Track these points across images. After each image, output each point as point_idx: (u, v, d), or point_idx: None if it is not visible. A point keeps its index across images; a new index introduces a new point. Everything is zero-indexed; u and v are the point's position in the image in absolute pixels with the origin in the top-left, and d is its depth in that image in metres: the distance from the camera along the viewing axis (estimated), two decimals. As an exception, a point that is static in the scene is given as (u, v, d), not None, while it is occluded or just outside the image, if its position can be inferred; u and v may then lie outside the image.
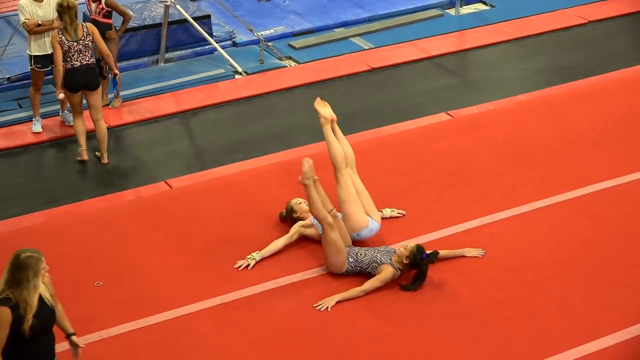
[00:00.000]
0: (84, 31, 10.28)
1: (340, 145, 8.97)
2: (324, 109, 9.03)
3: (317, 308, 8.11)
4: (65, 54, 10.20)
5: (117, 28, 11.70)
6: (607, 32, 14.14)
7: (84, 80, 10.38)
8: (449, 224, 9.19)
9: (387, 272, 8.30)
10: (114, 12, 11.53)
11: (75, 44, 10.21)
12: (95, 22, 11.49)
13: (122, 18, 11.70)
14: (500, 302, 8.17)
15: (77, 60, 10.26)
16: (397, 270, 8.34)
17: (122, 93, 11.98)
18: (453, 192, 9.72)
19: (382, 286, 8.26)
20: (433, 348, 7.68)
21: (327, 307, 8.11)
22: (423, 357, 7.62)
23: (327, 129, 8.98)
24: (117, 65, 11.60)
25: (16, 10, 14.00)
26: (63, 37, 10.17)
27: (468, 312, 8.04)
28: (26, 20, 10.79)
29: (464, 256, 8.74)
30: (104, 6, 11.41)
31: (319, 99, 9.10)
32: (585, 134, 10.87)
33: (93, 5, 11.46)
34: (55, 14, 10.86)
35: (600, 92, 11.97)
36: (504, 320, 7.96)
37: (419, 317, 8.01)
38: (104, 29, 11.48)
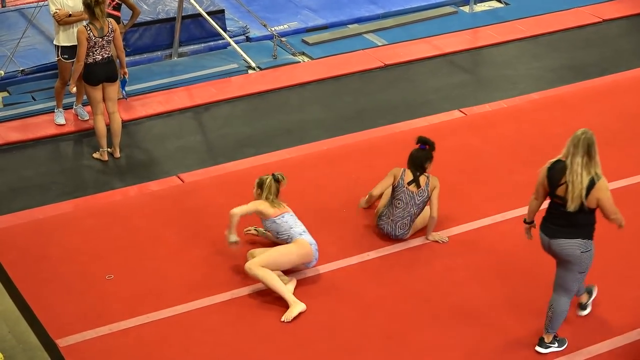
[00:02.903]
0: (109, 27, 10.26)
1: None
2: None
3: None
4: (88, 49, 10.19)
5: (124, 22, 11.70)
6: (622, 31, 14.09)
7: (106, 73, 10.37)
8: (460, 222, 9.18)
9: None
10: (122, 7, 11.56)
11: (100, 39, 10.20)
12: None
13: (130, 13, 11.70)
14: (511, 300, 8.16)
15: (99, 55, 10.26)
16: None
17: (135, 87, 12.01)
18: (465, 190, 9.71)
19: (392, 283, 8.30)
20: (443, 346, 7.68)
21: None
22: (433, 355, 7.62)
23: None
24: (131, 59, 11.66)
25: (30, 3, 14.08)
26: (91, 33, 10.14)
27: (479, 311, 8.04)
28: (57, 11, 10.79)
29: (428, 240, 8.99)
30: None
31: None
32: (598, 132, 10.65)
33: None
34: None
35: (614, 91, 11.94)
36: (514, 318, 7.94)
37: (429, 315, 8.01)
38: None
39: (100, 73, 10.33)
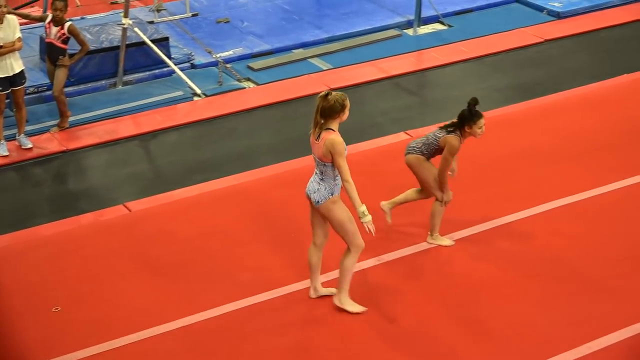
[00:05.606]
0: None
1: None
2: None
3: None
4: None
5: (70, 54, 11.66)
6: (564, 50, 14.28)
7: None
8: (407, 244, 9.17)
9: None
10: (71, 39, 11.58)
11: None
12: (50, 46, 11.50)
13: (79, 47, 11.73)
14: (461, 320, 8.14)
15: None
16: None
17: (81, 116, 12.02)
18: (412, 211, 9.70)
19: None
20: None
21: None
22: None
23: None
24: (75, 88, 11.67)
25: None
26: None
27: (430, 330, 8.01)
28: None
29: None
30: (66, 32, 11.42)
31: None
32: (545, 150, 10.93)
33: (54, 30, 11.45)
34: (17, 35, 10.83)
35: (558, 110, 12.05)
36: (464, 338, 7.91)
37: (379, 336, 7.95)
38: (58, 53, 11.51)
39: None
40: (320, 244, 8.18)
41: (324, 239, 8.18)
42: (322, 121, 7.68)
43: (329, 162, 7.70)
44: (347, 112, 7.72)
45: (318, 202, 7.82)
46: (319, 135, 7.69)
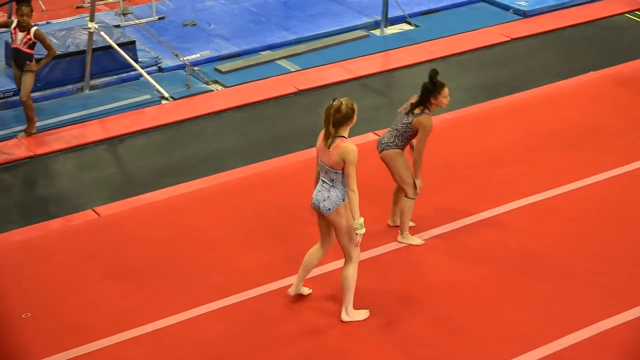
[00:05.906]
0: None
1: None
2: None
3: None
4: None
5: (36, 59, 11.62)
6: (530, 49, 14.37)
7: None
8: (378, 244, 9.20)
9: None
10: (38, 44, 11.54)
11: None
12: (17, 51, 11.46)
13: (46, 51, 11.68)
14: (433, 318, 8.19)
15: None
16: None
17: (48, 121, 11.92)
18: (381, 210, 9.75)
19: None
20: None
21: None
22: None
23: None
24: (42, 93, 11.57)
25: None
26: None
27: (401, 329, 8.05)
28: None
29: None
30: (32, 37, 11.38)
31: None
32: (511, 150, 11.00)
33: (20, 35, 11.41)
34: None
35: (524, 108, 12.13)
36: (437, 337, 7.96)
37: (349, 336, 7.98)
38: (25, 58, 11.46)
39: None
40: (326, 249, 8.21)
41: (329, 246, 8.20)
42: (333, 130, 7.68)
43: (340, 170, 7.70)
44: (355, 116, 7.75)
45: (329, 209, 7.77)
46: (330, 143, 7.69)
